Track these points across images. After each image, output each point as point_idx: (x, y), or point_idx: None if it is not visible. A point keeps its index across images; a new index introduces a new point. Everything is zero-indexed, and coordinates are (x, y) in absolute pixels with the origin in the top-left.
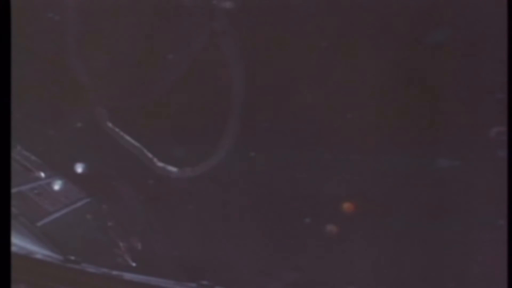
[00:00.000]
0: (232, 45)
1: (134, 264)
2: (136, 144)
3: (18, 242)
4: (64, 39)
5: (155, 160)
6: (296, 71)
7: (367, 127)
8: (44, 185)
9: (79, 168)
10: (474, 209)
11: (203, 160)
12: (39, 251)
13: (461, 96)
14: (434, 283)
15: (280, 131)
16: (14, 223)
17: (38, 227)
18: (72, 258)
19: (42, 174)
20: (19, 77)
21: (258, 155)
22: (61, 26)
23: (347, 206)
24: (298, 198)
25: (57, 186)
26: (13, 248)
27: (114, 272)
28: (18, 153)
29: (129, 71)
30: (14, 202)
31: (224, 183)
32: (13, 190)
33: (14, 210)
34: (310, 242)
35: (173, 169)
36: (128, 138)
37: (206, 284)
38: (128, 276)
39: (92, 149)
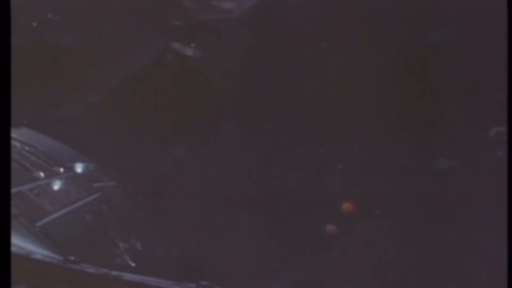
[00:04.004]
0: (230, 45)
1: (133, 265)
2: None
3: (18, 242)
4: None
5: None
6: (296, 71)
7: (367, 127)
8: (43, 185)
9: (78, 168)
10: (474, 209)
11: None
12: (39, 251)
13: (461, 96)
14: (434, 283)
15: (280, 131)
16: (14, 223)
17: (37, 227)
18: (72, 258)
19: (42, 174)
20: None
21: (258, 155)
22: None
23: (347, 206)
24: (298, 198)
25: (56, 186)
26: (13, 248)
27: (114, 273)
28: (18, 153)
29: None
30: (14, 202)
31: (223, 182)
32: (13, 190)
33: (14, 210)
34: (310, 242)
35: None
36: None
37: (206, 285)
38: (127, 276)
39: (92, 149)
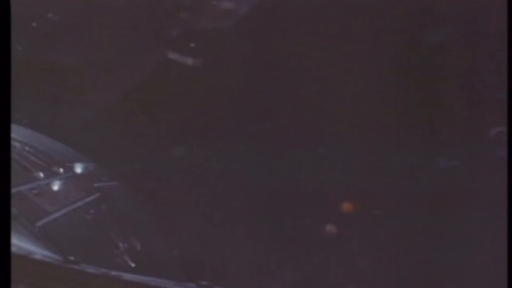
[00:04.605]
0: (232, 46)
1: (133, 265)
2: None
3: (18, 242)
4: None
5: None
6: (296, 71)
7: (367, 127)
8: (43, 185)
9: (78, 168)
10: (474, 209)
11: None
12: (39, 252)
13: (461, 96)
14: (434, 283)
15: (280, 131)
16: (13, 224)
17: (37, 227)
18: (72, 258)
19: (42, 174)
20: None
21: (258, 155)
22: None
23: (347, 206)
24: (298, 198)
25: (56, 186)
26: (13, 248)
27: (114, 273)
28: (18, 153)
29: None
30: (14, 202)
31: (224, 183)
32: (13, 190)
33: (13, 210)
34: (310, 242)
35: None
36: None
37: (205, 284)
38: (127, 276)
39: (92, 149)
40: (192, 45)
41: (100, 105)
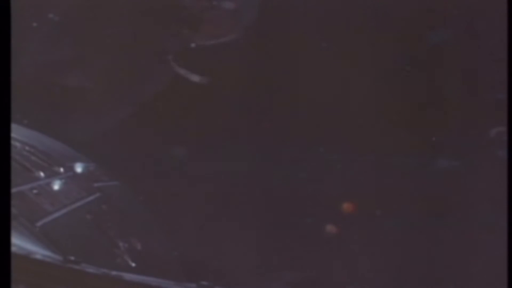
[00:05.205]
0: (234, 45)
1: (133, 265)
2: None
3: (18, 242)
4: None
5: None
6: (296, 71)
7: (367, 127)
8: (44, 185)
9: (78, 168)
10: (474, 209)
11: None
12: (39, 251)
13: (461, 96)
14: (434, 283)
15: (280, 131)
16: (13, 223)
17: (37, 227)
18: (72, 258)
19: (42, 174)
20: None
21: (258, 155)
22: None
23: (347, 206)
24: (298, 198)
25: (57, 186)
26: (13, 249)
27: (114, 273)
28: (18, 153)
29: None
30: (14, 202)
31: (224, 183)
32: (13, 190)
33: (13, 210)
34: (310, 242)
35: None
36: None
37: (206, 285)
38: (128, 276)
39: (93, 150)
40: (194, 56)
41: (100, 106)
